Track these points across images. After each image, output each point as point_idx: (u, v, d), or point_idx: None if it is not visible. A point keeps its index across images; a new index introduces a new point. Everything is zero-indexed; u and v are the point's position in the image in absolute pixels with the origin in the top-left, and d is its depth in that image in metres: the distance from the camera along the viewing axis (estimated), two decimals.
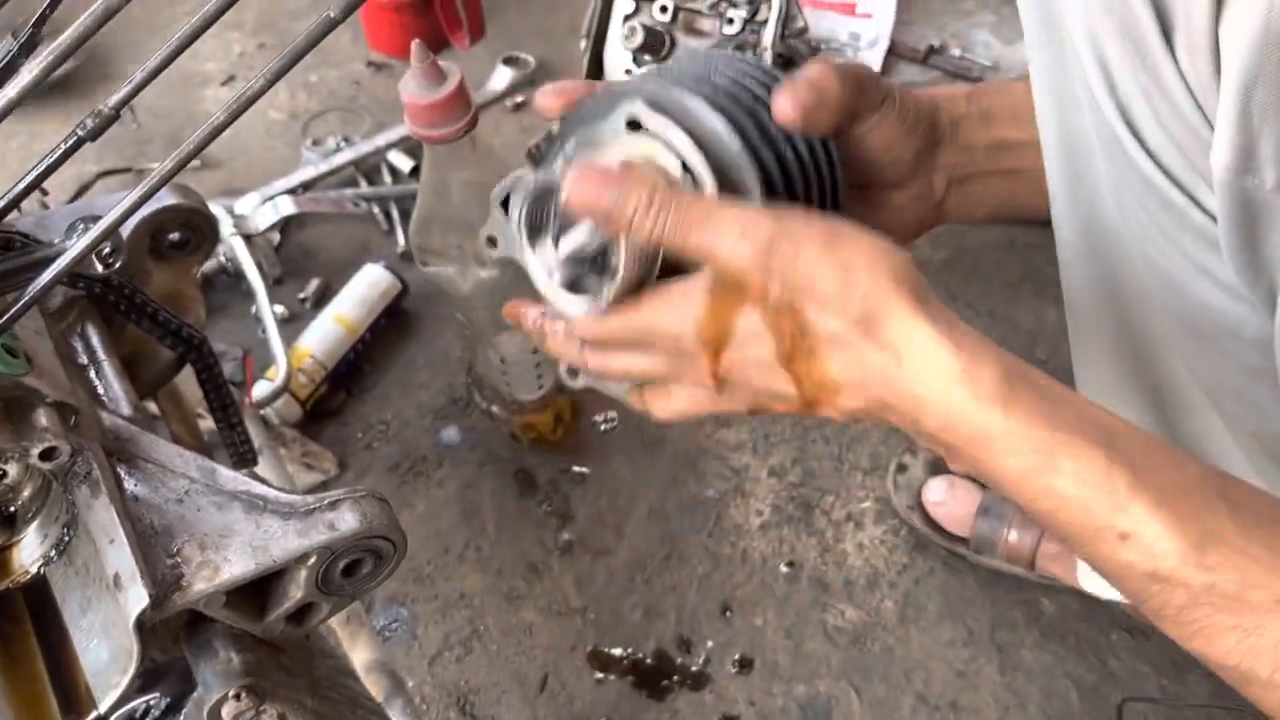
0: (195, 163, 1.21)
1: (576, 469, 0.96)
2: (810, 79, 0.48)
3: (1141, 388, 0.60)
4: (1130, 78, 0.47)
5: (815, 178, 0.49)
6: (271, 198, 1.12)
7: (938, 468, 0.91)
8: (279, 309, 1.04)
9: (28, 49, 0.51)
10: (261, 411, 0.93)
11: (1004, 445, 0.41)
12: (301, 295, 1.08)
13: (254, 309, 1.05)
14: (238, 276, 1.06)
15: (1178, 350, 0.56)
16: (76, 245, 0.47)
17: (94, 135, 0.50)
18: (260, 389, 0.93)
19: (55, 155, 0.52)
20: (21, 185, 0.52)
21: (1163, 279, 0.53)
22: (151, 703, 0.51)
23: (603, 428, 0.99)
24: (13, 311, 0.48)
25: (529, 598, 0.89)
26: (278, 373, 0.93)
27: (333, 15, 0.48)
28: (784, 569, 0.90)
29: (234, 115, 0.49)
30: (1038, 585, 0.87)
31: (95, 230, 0.48)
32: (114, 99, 0.49)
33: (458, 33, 1.27)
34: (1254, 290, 0.48)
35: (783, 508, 0.93)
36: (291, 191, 1.13)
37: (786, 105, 0.47)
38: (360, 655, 0.74)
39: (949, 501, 0.88)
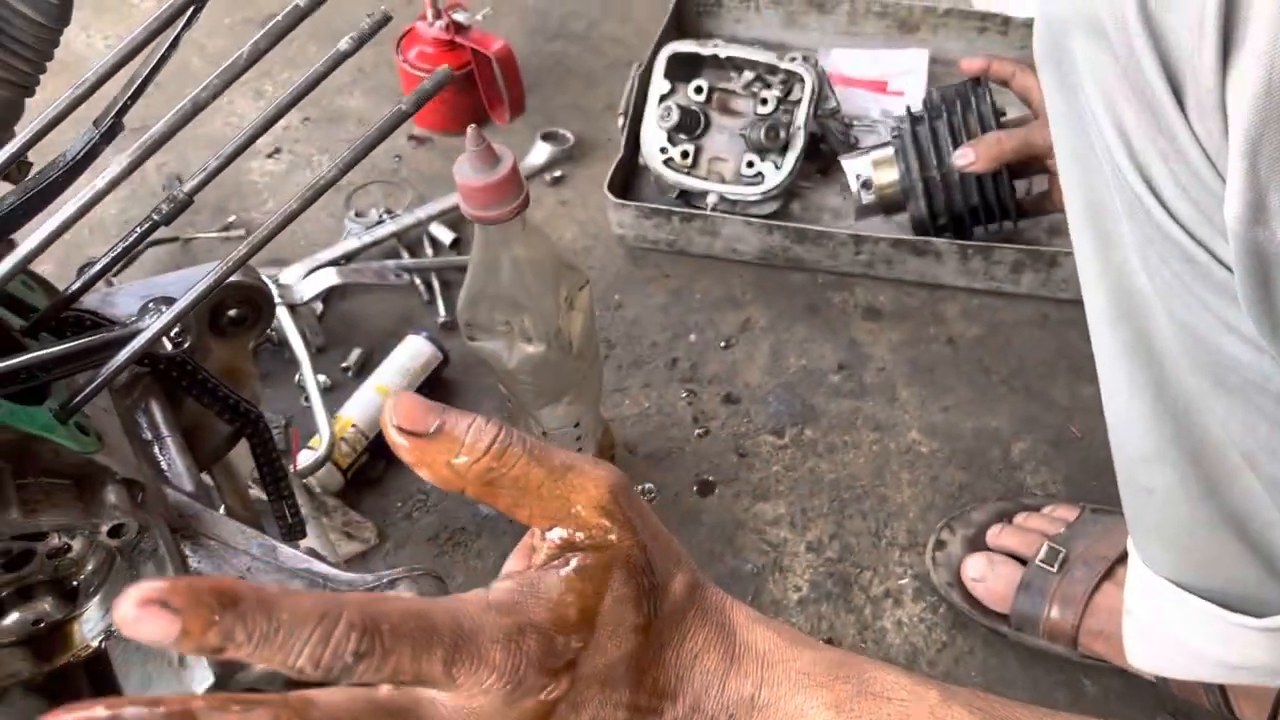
0: (239, 232, 1.25)
1: None
2: None
3: (1182, 452, 0.61)
4: (1147, 141, 0.49)
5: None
6: (315, 269, 1.14)
7: (976, 544, 0.91)
8: (321, 378, 1.06)
9: (109, 137, 0.53)
10: (305, 480, 0.94)
11: None
12: (344, 364, 1.10)
13: (297, 378, 1.07)
14: (281, 345, 1.08)
15: (1210, 409, 0.57)
16: (153, 327, 0.49)
17: (168, 220, 0.52)
18: (304, 458, 0.94)
19: (132, 239, 0.54)
20: (98, 267, 0.54)
21: (1191, 336, 0.54)
22: None
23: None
24: (87, 391, 0.49)
25: None
26: (321, 442, 0.94)
27: (404, 109, 0.50)
28: None
29: (307, 203, 0.50)
30: (1080, 665, 0.87)
31: (172, 312, 0.49)
32: (189, 185, 0.51)
33: (498, 109, 1.31)
34: (1273, 342, 0.49)
35: (821, 584, 0.93)
36: (335, 263, 1.16)
37: None
38: None
39: (989, 578, 0.87)
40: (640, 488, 1.00)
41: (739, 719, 0.38)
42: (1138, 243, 0.54)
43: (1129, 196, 0.51)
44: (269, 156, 1.33)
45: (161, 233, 1.28)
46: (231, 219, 1.25)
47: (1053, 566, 0.84)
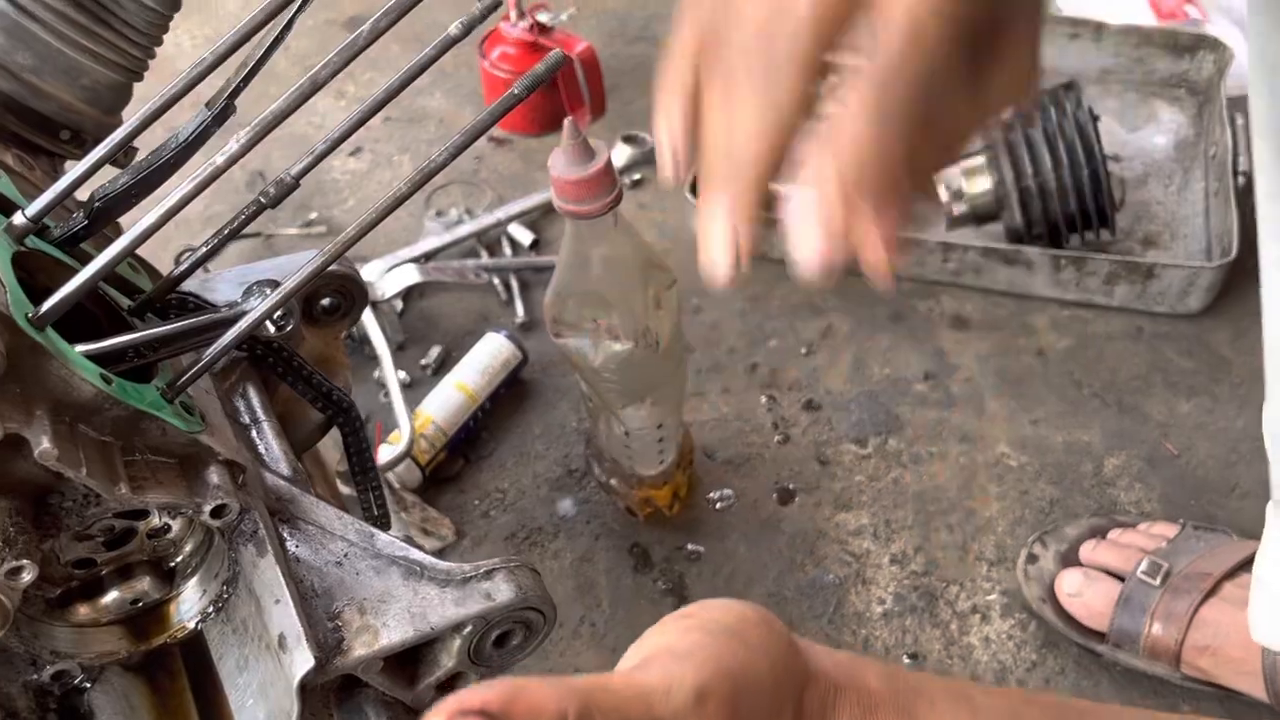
0: (322, 228, 1.26)
1: (692, 547, 0.95)
2: None
3: None
4: None
5: None
6: (396, 265, 1.15)
7: (1069, 559, 0.88)
8: (401, 375, 1.06)
9: (221, 119, 0.53)
10: (385, 476, 0.94)
11: None
12: (423, 362, 1.10)
13: (377, 374, 1.07)
14: (362, 342, 1.09)
15: None
16: (259, 308, 0.49)
17: (275, 202, 0.52)
18: (384, 453, 0.94)
19: (239, 220, 0.54)
20: (203, 250, 0.54)
21: None
22: None
23: (718, 505, 0.98)
24: (195, 369, 0.49)
25: None
26: (401, 438, 0.94)
27: (516, 92, 0.49)
28: (907, 660, 0.87)
29: (416, 186, 0.50)
30: (1179, 689, 0.83)
31: (278, 294, 0.49)
32: (296, 169, 0.51)
33: (579, 111, 1.31)
34: None
35: (905, 597, 0.91)
36: (416, 260, 1.16)
37: None
38: None
39: (1086, 593, 0.84)
40: (719, 494, 0.98)
41: None
42: None
43: None
44: (351, 155, 1.35)
45: (246, 229, 1.30)
46: (313, 216, 1.26)
47: (1155, 580, 0.81)
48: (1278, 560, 0.67)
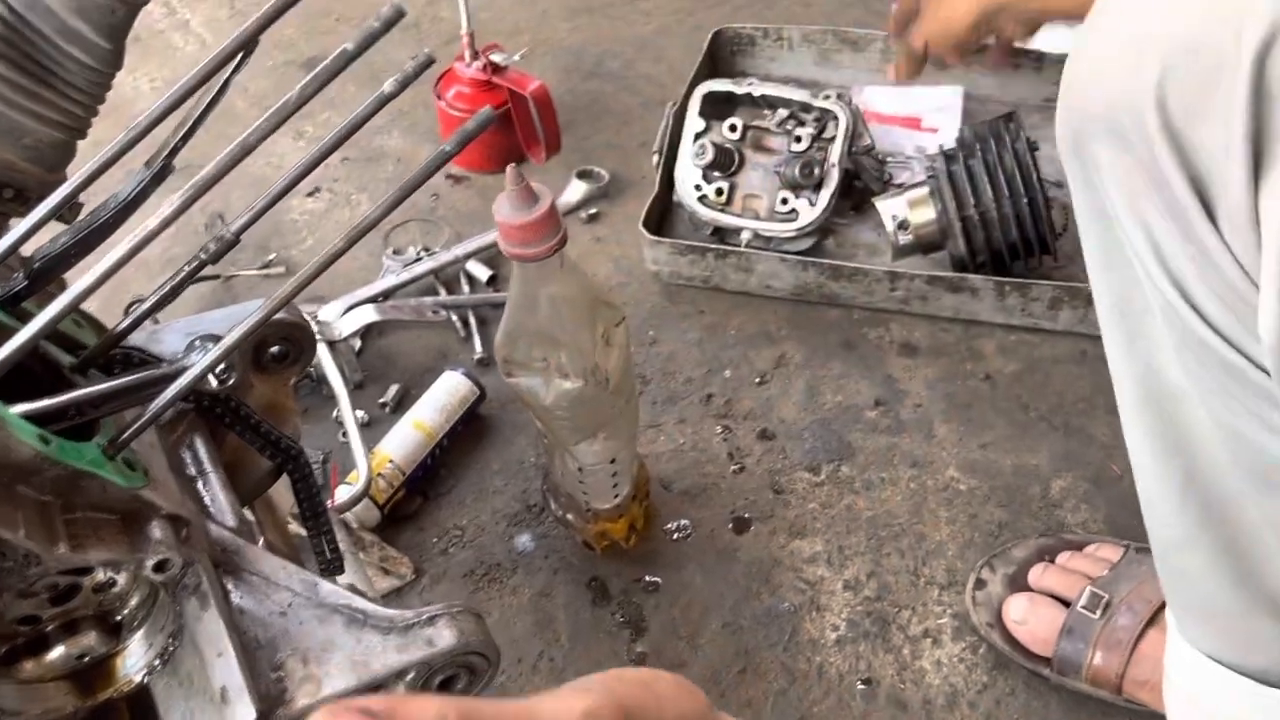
0: (280, 269, 1.26)
1: (649, 578, 0.96)
2: None
3: (1215, 538, 0.59)
4: (1177, 248, 0.48)
5: None
6: (354, 305, 1.15)
7: (1017, 583, 0.90)
8: (359, 414, 1.07)
9: (159, 178, 0.54)
10: (342, 516, 0.94)
11: None
12: (381, 400, 1.11)
13: (335, 414, 1.08)
14: (320, 381, 1.09)
15: (1249, 501, 0.56)
16: (199, 364, 0.50)
17: (215, 259, 0.53)
18: (342, 493, 0.94)
19: (180, 277, 0.55)
20: (146, 306, 0.55)
21: (1231, 435, 0.53)
22: None
23: (675, 536, 0.99)
24: (134, 427, 0.50)
25: None
26: (359, 477, 0.95)
27: (448, 149, 0.51)
28: (860, 686, 0.88)
29: (350, 242, 0.51)
30: (1125, 710, 0.85)
31: (219, 349, 0.50)
32: (236, 225, 0.52)
33: (534, 148, 1.32)
34: None
35: (859, 622, 0.92)
36: (373, 299, 1.17)
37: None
38: None
39: (1031, 620, 0.86)
40: (676, 524, 1.00)
41: None
42: (1174, 344, 0.52)
43: (1161, 300, 0.50)
44: (309, 195, 1.36)
45: (204, 271, 1.31)
46: (272, 257, 1.27)
47: (1096, 612, 0.83)
48: (1181, 664, 0.69)
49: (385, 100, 0.51)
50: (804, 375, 1.12)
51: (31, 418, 0.46)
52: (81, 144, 0.67)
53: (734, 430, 1.07)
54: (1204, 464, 0.57)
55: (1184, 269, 0.48)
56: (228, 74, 0.52)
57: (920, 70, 1.13)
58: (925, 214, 1.11)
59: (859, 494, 1.01)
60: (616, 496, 0.92)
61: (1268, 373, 0.47)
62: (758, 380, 1.11)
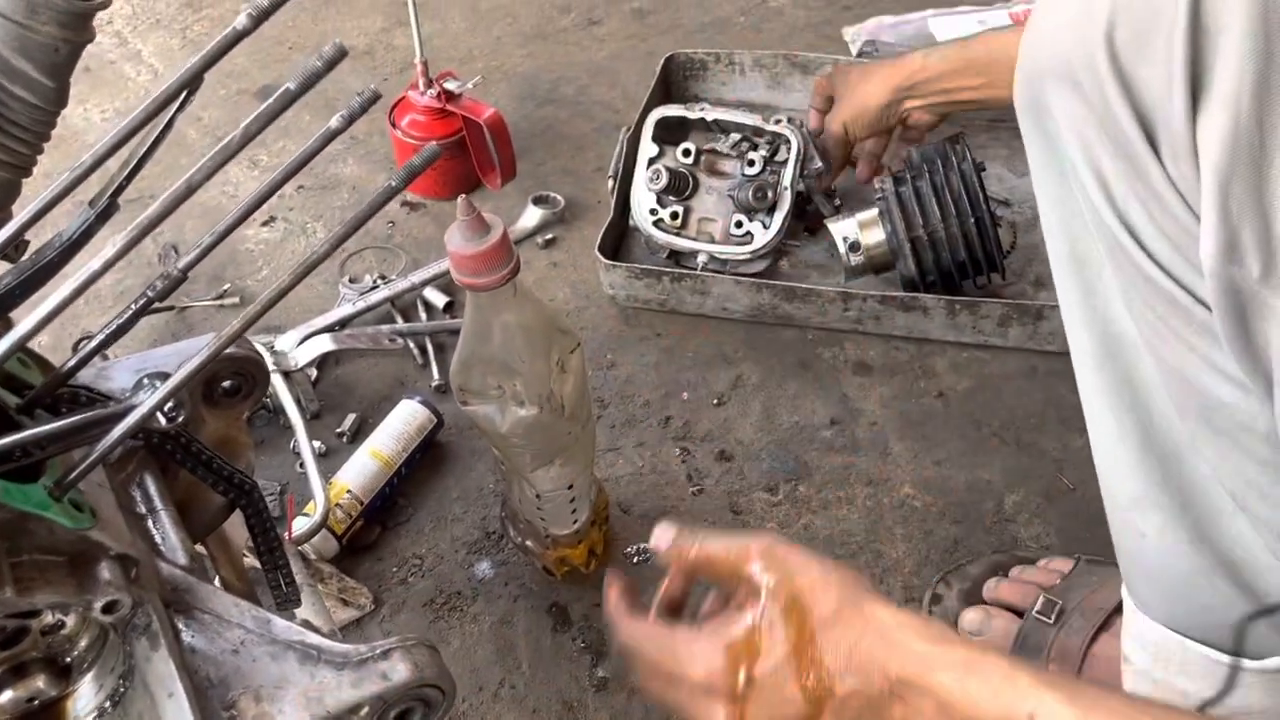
0: (234, 300, 1.26)
1: None
2: None
3: (1171, 495, 0.61)
4: (1125, 186, 0.51)
5: None
6: (310, 335, 1.15)
7: (972, 598, 0.91)
8: (316, 444, 1.06)
9: (105, 217, 0.54)
10: (300, 547, 0.94)
11: (946, 667, 0.51)
12: (339, 430, 1.10)
13: (292, 444, 1.07)
14: (276, 412, 1.09)
15: (1199, 451, 0.58)
16: (146, 403, 0.50)
17: (162, 296, 0.53)
18: (299, 524, 0.94)
19: (127, 316, 0.54)
20: (93, 344, 0.55)
21: (1178, 379, 0.55)
22: None
23: (635, 560, 0.99)
24: (81, 468, 0.50)
25: None
26: (316, 508, 0.95)
27: (393, 185, 0.51)
28: None
29: (299, 277, 0.51)
30: None
31: (166, 387, 0.50)
32: (183, 262, 0.52)
33: (490, 174, 1.33)
34: (1254, 380, 0.50)
35: None
36: (329, 329, 1.17)
37: None
38: None
39: (986, 632, 0.87)
40: (635, 548, 1.00)
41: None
42: (1121, 287, 0.55)
43: (1110, 242, 0.53)
44: (264, 225, 1.35)
45: (157, 303, 1.29)
46: (226, 287, 1.27)
47: (1049, 619, 0.84)
48: (1138, 639, 0.71)
49: (333, 135, 0.51)
50: (761, 396, 1.13)
51: None
52: (27, 180, 0.66)
53: (692, 452, 1.08)
54: (1158, 416, 0.59)
55: (1132, 208, 0.51)
56: (172, 111, 0.52)
57: (847, 158, 1.24)
58: (875, 235, 1.13)
59: (816, 513, 1.02)
60: (575, 522, 0.92)
61: (1209, 308, 0.49)
62: (715, 402, 1.12)
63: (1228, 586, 0.62)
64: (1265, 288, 0.46)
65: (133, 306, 0.55)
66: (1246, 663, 0.65)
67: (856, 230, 1.13)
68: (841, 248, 1.14)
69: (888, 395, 1.12)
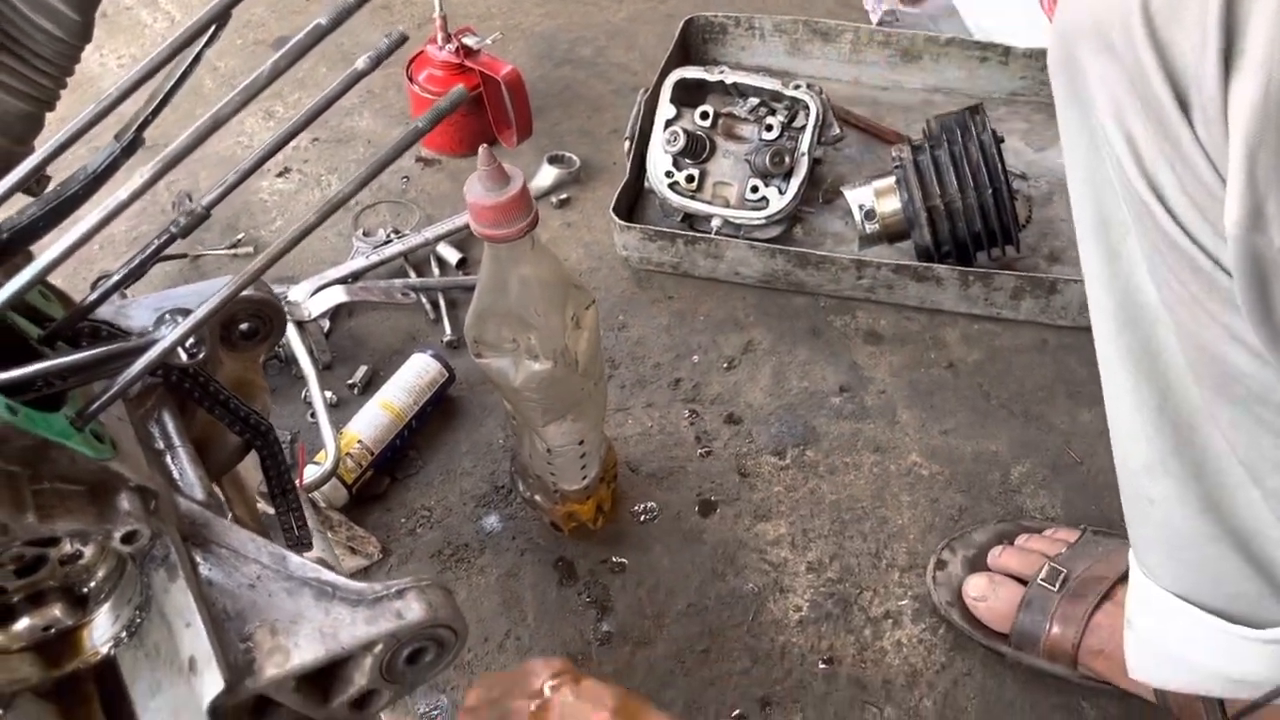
0: (247, 249, 1.26)
1: (616, 559, 0.97)
2: None
3: (1184, 463, 0.62)
4: (1155, 149, 0.51)
5: None
6: (323, 286, 1.15)
7: (976, 565, 0.92)
8: (328, 394, 1.07)
9: (129, 151, 0.54)
10: (310, 495, 0.94)
11: None
12: (350, 381, 1.10)
13: (304, 394, 1.07)
14: (288, 362, 1.09)
15: (1214, 421, 0.58)
16: (169, 337, 0.50)
17: (185, 232, 0.53)
18: (310, 473, 0.94)
19: (149, 250, 0.55)
20: (115, 279, 0.55)
21: (1197, 347, 0.55)
22: None
23: (642, 519, 1.00)
24: (104, 399, 0.50)
25: None
26: (326, 457, 0.95)
27: (420, 125, 0.51)
28: (822, 666, 0.90)
29: (322, 217, 0.51)
30: (1079, 688, 0.87)
31: (188, 323, 0.50)
32: (208, 198, 0.53)
33: (506, 132, 1.33)
34: (1272, 349, 0.50)
35: (821, 604, 0.94)
36: (343, 280, 1.17)
37: None
38: None
39: (990, 597, 0.88)
40: (642, 506, 1.00)
41: None
42: (1145, 253, 0.55)
43: (1137, 206, 0.53)
44: (279, 176, 1.35)
45: (171, 249, 1.29)
46: (240, 236, 1.27)
47: (1054, 586, 0.85)
48: (1143, 604, 0.72)
49: (359, 77, 0.51)
50: (771, 361, 1.13)
51: None
52: (48, 119, 0.66)
53: (701, 414, 1.08)
54: (1175, 384, 0.59)
55: (1160, 172, 0.51)
56: (199, 47, 0.52)
57: None
58: (892, 204, 1.12)
59: (823, 478, 1.03)
60: (584, 478, 0.93)
61: (1231, 275, 0.49)
62: (725, 365, 1.13)
63: (1237, 557, 0.62)
64: None
65: (155, 241, 0.55)
66: (1250, 632, 0.65)
67: (872, 198, 1.13)
68: (857, 215, 1.14)
69: (898, 364, 1.12)
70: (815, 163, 1.19)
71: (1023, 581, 0.87)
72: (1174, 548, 0.66)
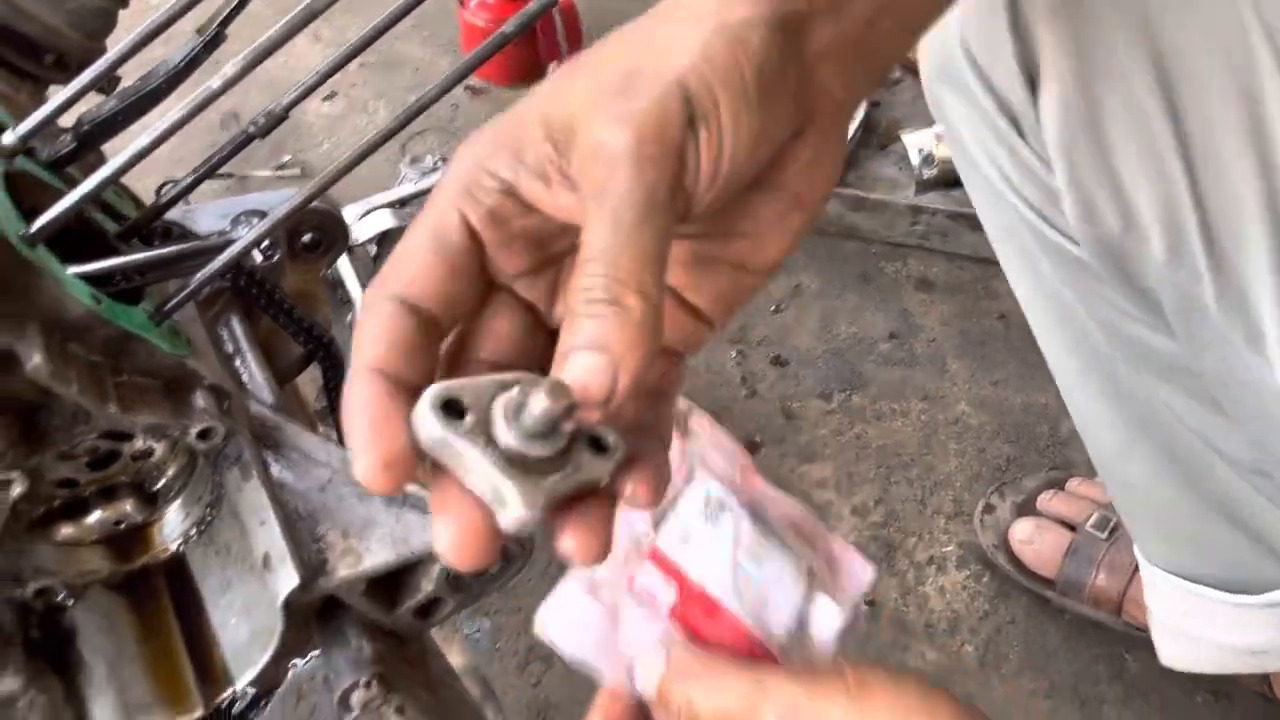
0: (296, 171, 1.25)
1: None
2: None
3: (1153, 444, 0.64)
4: (1010, 166, 0.55)
5: None
6: (371, 210, 1.14)
7: (1025, 510, 0.91)
8: None
9: (211, 46, 0.53)
10: None
11: None
12: None
13: (349, 318, 1.07)
14: (336, 285, 1.09)
15: (1158, 398, 0.60)
16: (248, 236, 0.50)
17: (264, 132, 0.52)
18: None
19: (226, 150, 0.54)
20: (189, 179, 0.55)
21: (1108, 328, 0.59)
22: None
23: None
24: (182, 295, 0.50)
25: None
26: None
27: (507, 31, 0.50)
28: (864, 607, 0.90)
29: (402, 123, 0.51)
30: (1122, 638, 0.86)
31: (266, 223, 0.50)
32: (286, 99, 0.52)
33: (556, 63, 1.31)
34: (1144, 311, 0.55)
35: (864, 547, 0.93)
36: (390, 206, 1.16)
37: None
38: (453, 660, 0.75)
39: (1037, 541, 0.87)
40: None
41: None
42: (1047, 257, 0.58)
43: (1015, 218, 0.57)
44: (325, 99, 1.34)
45: (220, 170, 1.29)
46: (287, 158, 1.26)
47: (1102, 534, 0.84)
48: (1154, 590, 0.73)
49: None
50: (819, 305, 1.12)
51: (82, 279, 0.46)
52: (121, 17, 0.65)
53: (747, 355, 1.08)
54: (1120, 369, 0.61)
55: (1024, 186, 0.55)
56: None
57: None
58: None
59: (870, 423, 1.02)
60: None
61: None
62: (773, 308, 1.12)
63: (1225, 525, 0.63)
64: (1129, 239, 0.50)
65: (232, 144, 0.54)
66: (1251, 599, 0.65)
67: (932, 142, 1.11)
68: (915, 159, 1.12)
69: (949, 313, 1.11)
70: (872, 105, 1.17)
71: (1071, 528, 0.87)
72: (1162, 524, 0.67)
